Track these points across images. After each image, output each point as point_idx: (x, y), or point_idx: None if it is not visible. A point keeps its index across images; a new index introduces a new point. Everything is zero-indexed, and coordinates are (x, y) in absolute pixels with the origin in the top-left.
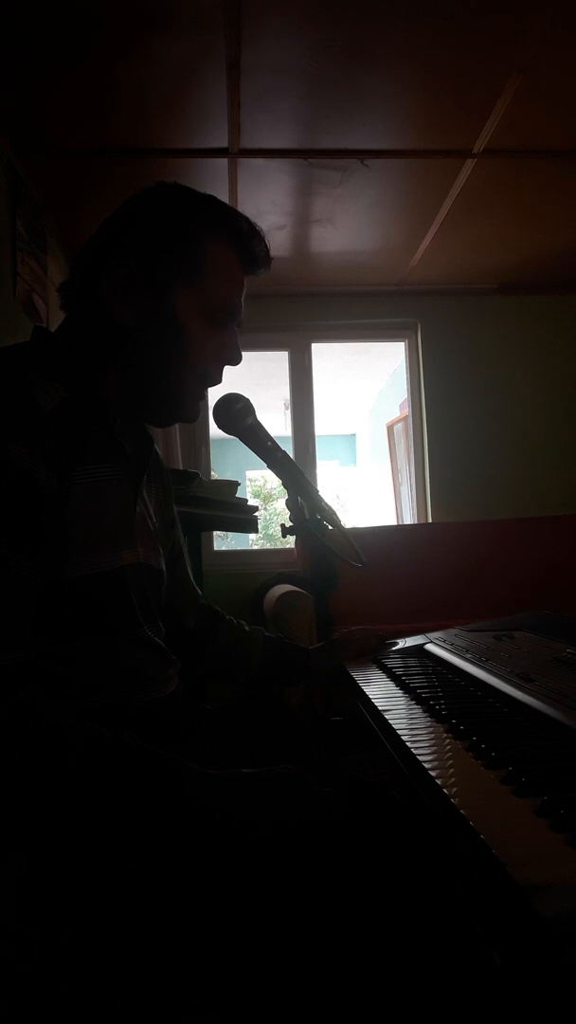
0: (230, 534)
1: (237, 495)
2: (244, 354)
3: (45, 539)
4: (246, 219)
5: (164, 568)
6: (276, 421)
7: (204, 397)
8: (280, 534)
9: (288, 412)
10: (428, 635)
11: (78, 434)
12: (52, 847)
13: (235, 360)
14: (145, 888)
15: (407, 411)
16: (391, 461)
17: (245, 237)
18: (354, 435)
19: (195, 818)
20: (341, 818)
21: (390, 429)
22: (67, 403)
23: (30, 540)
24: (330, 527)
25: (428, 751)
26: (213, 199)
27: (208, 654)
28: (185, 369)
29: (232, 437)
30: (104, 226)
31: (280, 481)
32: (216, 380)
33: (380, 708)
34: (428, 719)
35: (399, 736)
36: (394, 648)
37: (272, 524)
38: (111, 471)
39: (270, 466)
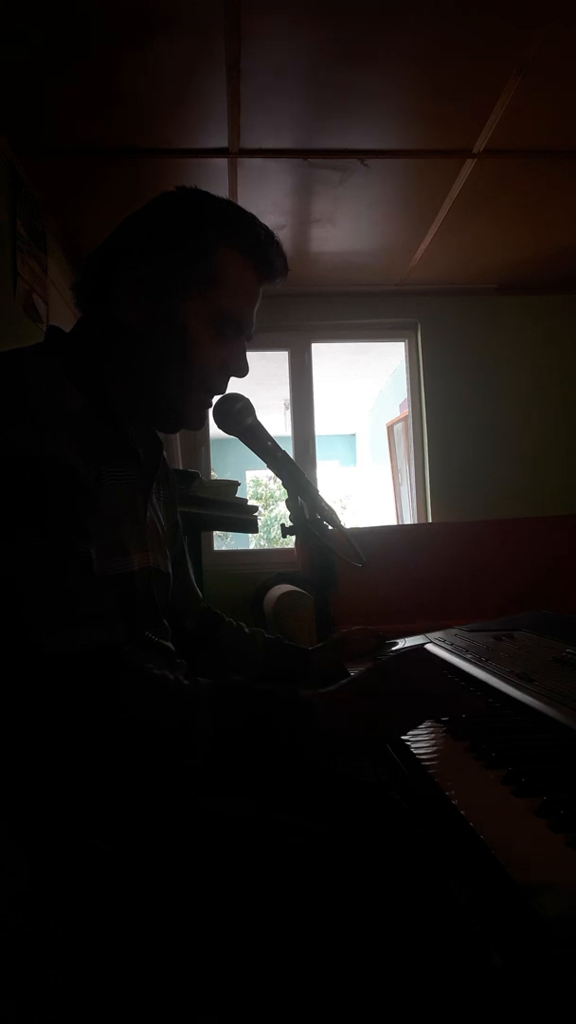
0: (230, 534)
1: (237, 495)
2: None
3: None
4: (264, 227)
5: (171, 571)
6: (276, 421)
7: (208, 406)
8: (280, 535)
9: (288, 412)
10: (428, 635)
11: (98, 438)
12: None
13: (241, 372)
14: (146, 888)
15: (407, 411)
16: (391, 461)
17: (261, 246)
18: (354, 435)
19: (196, 821)
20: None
21: (390, 429)
22: (86, 408)
23: (86, 531)
24: (330, 527)
25: (428, 751)
26: (231, 205)
27: (208, 656)
28: (188, 376)
29: (232, 437)
30: (121, 227)
31: (280, 481)
32: (220, 390)
33: None
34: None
35: None
36: (394, 648)
37: (272, 527)
38: (125, 475)
39: (270, 466)
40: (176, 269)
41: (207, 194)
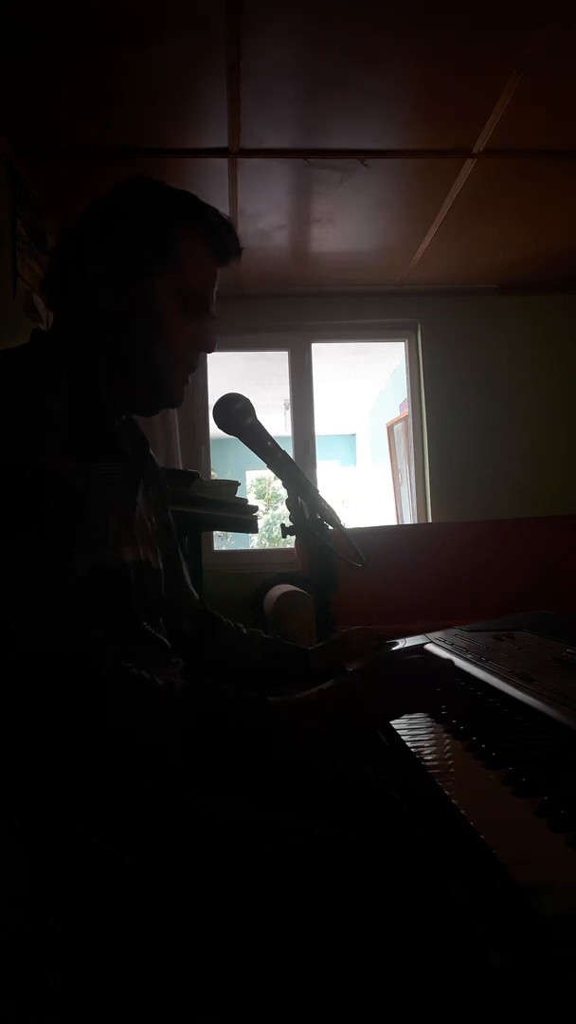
0: (230, 534)
1: (237, 495)
2: (244, 354)
3: (71, 532)
4: (216, 211)
5: (162, 567)
6: (276, 421)
7: (186, 382)
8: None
9: (288, 412)
10: (428, 635)
11: (86, 437)
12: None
13: (209, 347)
14: (146, 888)
15: (407, 411)
16: (391, 461)
17: (217, 229)
18: (354, 435)
19: (196, 821)
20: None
21: (390, 429)
22: (74, 407)
23: (70, 535)
24: (330, 527)
25: (428, 751)
26: (186, 193)
27: (207, 656)
28: (164, 354)
29: (232, 437)
30: (80, 222)
31: (280, 481)
32: (193, 367)
33: None
34: (428, 719)
35: (399, 736)
36: (394, 648)
37: (274, 527)
38: (113, 472)
39: (270, 466)
40: (142, 254)
41: (161, 183)
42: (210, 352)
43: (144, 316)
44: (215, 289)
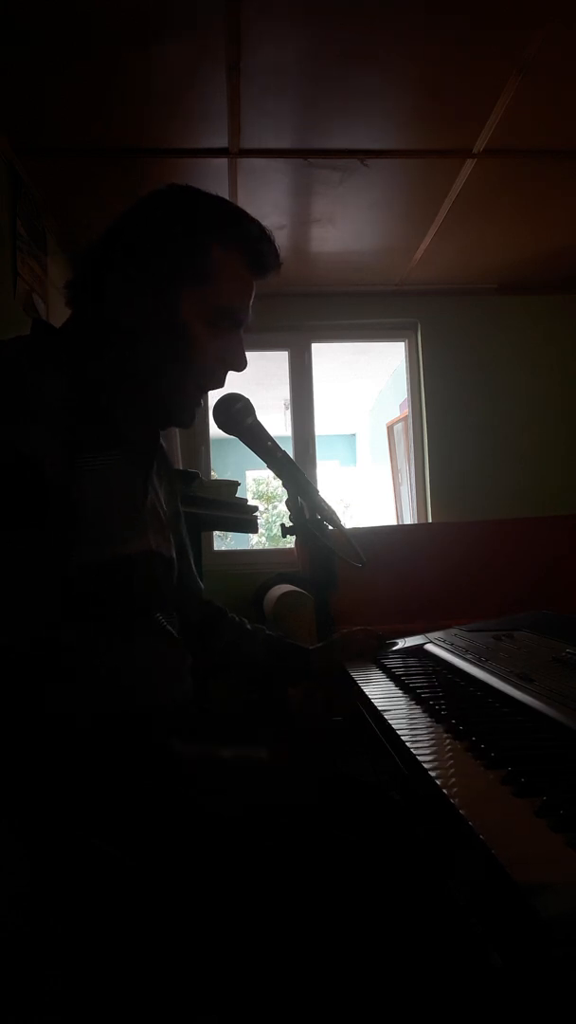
0: (230, 534)
1: (237, 495)
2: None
3: (51, 526)
4: (256, 222)
5: (174, 556)
6: (276, 421)
7: (199, 402)
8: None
9: (288, 412)
10: (428, 635)
11: (82, 424)
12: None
13: (239, 366)
14: (146, 888)
15: (407, 411)
16: (391, 461)
17: (254, 241)
18: (354, 435)
19: (196, 821)
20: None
21: (390, 429)
22: (70, 395)
23: (35, 527)
24: (330, 527)
25: (428, 751)
26: (223, 201)
27: (211, 649)
28: (185, 371)
29: (232, 437)
30: (113, 226)
31: (280, 481)
32: (218, 384)
33: (380, 708)
34: (428, 719)
35: (399, 736)
36: (394, 648)
37: (273, 527)
38: (118, 459)
39: (270, 466)
40: (171, 267)
41: (198, 191)
42: (239, 371)
43: (167, 331)
44: (250, 302)
